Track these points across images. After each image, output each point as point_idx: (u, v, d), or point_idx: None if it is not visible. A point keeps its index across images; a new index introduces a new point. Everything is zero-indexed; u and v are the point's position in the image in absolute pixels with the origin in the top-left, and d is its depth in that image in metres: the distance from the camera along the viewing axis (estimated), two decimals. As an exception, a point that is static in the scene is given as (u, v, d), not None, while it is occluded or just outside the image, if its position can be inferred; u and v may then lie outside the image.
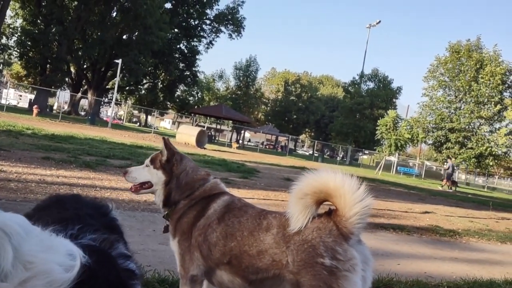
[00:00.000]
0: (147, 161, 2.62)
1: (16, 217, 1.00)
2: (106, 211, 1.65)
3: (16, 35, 46.45)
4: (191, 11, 60.48)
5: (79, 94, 52.46)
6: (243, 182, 10.43)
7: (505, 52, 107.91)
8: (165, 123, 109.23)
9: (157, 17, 45.42)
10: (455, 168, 33.44)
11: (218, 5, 61.72)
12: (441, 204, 14.12)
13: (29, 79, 50.55)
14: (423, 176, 45.74)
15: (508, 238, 8.52)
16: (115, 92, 44.87)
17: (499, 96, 43.55)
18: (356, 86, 62.87)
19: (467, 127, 44.91)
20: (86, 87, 54.13)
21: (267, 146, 79.23)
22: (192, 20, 62.10)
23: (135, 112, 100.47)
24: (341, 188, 2.02)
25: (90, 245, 1.20)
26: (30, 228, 1.02)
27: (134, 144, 17.23)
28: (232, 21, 61.68)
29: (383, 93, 59.94)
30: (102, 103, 61.94)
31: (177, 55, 60.76)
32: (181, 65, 61.91)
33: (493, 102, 43.81)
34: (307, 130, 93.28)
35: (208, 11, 61.12)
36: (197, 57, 62.40)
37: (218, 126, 66.95)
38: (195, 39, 62.84)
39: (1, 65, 59.78)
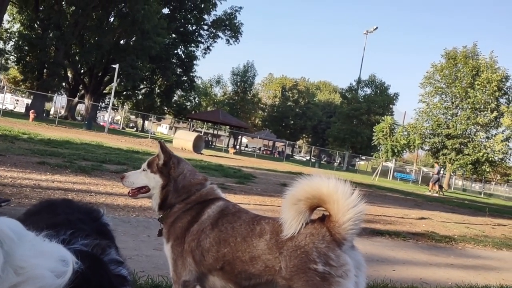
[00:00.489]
0: (144, 165, 2.61)
1: (9, 221, 0.99)
2: (97, 216, 1.65)
3: (14, 40, 46.39)
4: (189, 16, 60.65)
5: (76, 99, 52.41)
6: (239, 187, 10.42)
7: (501, 58, 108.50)
8: (162, 128, 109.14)
9: (155, 22, 45.52)
10: (441, 172, 33.75)
11: (216, 11, 62.18)
12: (438, 210, 14.14)
13: (26, 84, 50.42)
14: (419, 182, 45.83)
15: (504, 244, 8.53)
16: (112, 97, 44.84)
17: (495, 103, 43.70)
18: (353, 92, 63.12)
19: (463, 133, 45.03)
20: (83, 92, 54.11)
21: (264, 152, 79.22)
22: (189, 25, 62.28)
23: (132, 117, 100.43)
24: (334, 194, 2.02)
25: (83, 250, 1.19)
26: (23, 233, 1.02)
27: (130, 149, 17.20)
28: (229, 26, 61.89)
29: (380, 99, 60.19)
30: (99, 108, 61.92)
31: (174, 60, 60.85)
32: (179, 70, 62.00)
33: (489, 109, 43.96)
34: (304, 135, 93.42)
35: (205, 16, 61.37)
36: (194, 62, 62.58)
37: (215, 132, 66.94)
38: (192, 45, 63.00)
39: (-2, 70, 59.76)
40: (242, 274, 2.14)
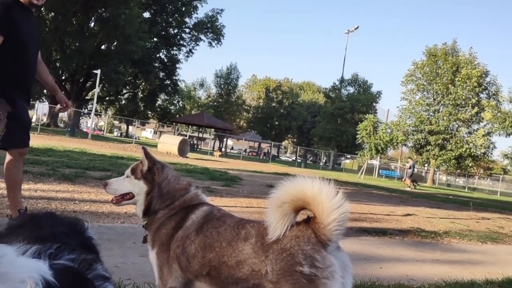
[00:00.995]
0: (128, 171, 2.58)
1: None
2: (81, 229, 1.63)
3: (-8, 47, 45.60)
4: (170, 20, 60.43)
5: (58, 106, 51.45)
6: (225, 190, 10.38)
7: (480, 54, 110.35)
8: (147, 133, 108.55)
9: (136, 27, 45.20)
10: (415, 167, 34.58)
11: (197, 14, 61.93)
12: (423, 206, 14.27)
13: (7, 92, 49.59)
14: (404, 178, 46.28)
15: (488, 238, 8.64)
16: (94, 102, 44.37)
17: (476, 98, 44.44)
18: (337, 91, 63.58)
19: (446, 129, 45.68)
20: (65, 98, 53.40)
21: (250, 153, 79.35)
22: (171, 28, 62.04)
23: (116, 122, 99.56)
24: (318, 195, 2.01)
25: (68, 266, 1.17)
26: None
27: (114, 155, 17.02)
28: (211, 29, 61.81)
29: (363, 98, 60.74)
30: (81, 114, 61.21)
31: (157, 64, 60.52)
32: (161, 74, 61.70)
33: (470, 104, 44.70)
34: (289, 136, 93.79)
35: (187, 19, 61.22)
36: (177, 65, 62.34)
37: (200, 135, 66.78)
38: (174, 48, 62.76)
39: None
40: (228, 279, 2.12)
